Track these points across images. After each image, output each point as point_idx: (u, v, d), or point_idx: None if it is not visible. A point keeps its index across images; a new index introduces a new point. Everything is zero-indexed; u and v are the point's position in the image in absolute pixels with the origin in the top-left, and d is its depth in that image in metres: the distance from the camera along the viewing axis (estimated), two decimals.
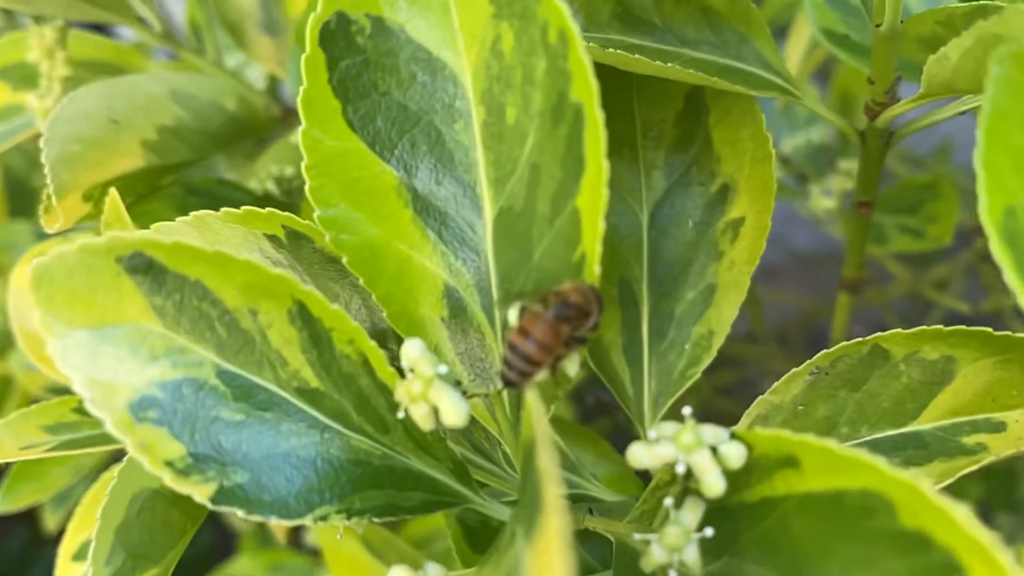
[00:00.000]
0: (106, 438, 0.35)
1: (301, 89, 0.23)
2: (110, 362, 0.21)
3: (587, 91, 0.20)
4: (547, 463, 0.15)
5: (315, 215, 0.23)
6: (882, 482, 0.17)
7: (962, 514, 0.16)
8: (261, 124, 0.44)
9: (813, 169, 0.58)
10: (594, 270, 0.22)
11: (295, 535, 0.76)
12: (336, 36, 0.23)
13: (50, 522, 0.74)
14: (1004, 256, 0.18)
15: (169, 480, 0.21)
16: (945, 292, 0.67)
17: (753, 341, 0.54)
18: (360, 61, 0.23)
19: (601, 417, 0.51)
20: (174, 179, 0.39)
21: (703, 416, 0.22)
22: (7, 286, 0.73)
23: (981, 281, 0.64)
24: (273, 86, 0.56)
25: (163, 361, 0.21)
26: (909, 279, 0.65)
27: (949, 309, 0.63)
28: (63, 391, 0.46)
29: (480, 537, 0.33)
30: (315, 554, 0.75)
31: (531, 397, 0.18)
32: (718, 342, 0.31)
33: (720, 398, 0.51)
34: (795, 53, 0.52)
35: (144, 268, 0.21)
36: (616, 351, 0.32)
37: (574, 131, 0.21)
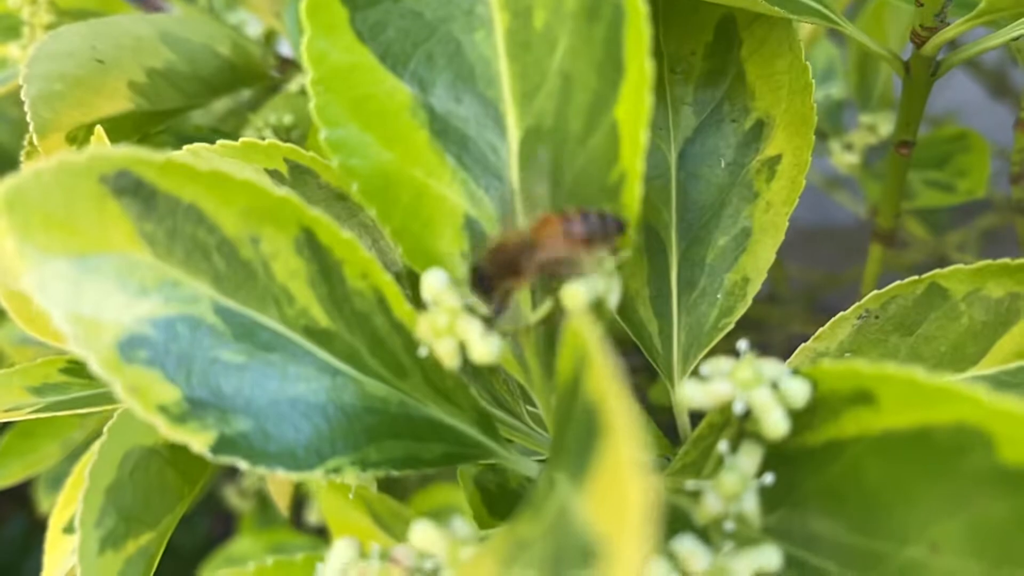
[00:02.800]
0: (97, 399, 0.32)
1: None
2: (94, 295, 0.18)
3: None
4: (608, 379, 0.12)
5: (321, 136, 0.21)
6: (980, 413, 0.15)
7: None
8: (257, 73, 0.41)
9: (832, 126, 0.56)
10: (635, 191, 0.19)
11: (296, 515, 0.74)
12: None
13: (45, 505, 0.72)
14: None
15: (163, 427, 0.18)
16: (962, 257, 0.65)
17: (773, 302, 0.52)
18: None
19: None
20: (165, 127, 0.37)
21: None
22: None
23: (1002, 243, 0.62)
24: (270, 36, 0.54)
25: (154, 296, 0.19)
26: (929, 242, 0.63)
27: None
28: None
29: (499, 501, 0.31)
30: (317, 533, 0.73)
31: (576, 313, 0.16)
32: (753, 289, 0.29)
33: None
34: None
35: (132, 189, 0.18)
36: (643, 302, 0.30)
37: (612, 30, 0.18)
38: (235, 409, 0.19)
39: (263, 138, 0.37)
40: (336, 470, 0.20)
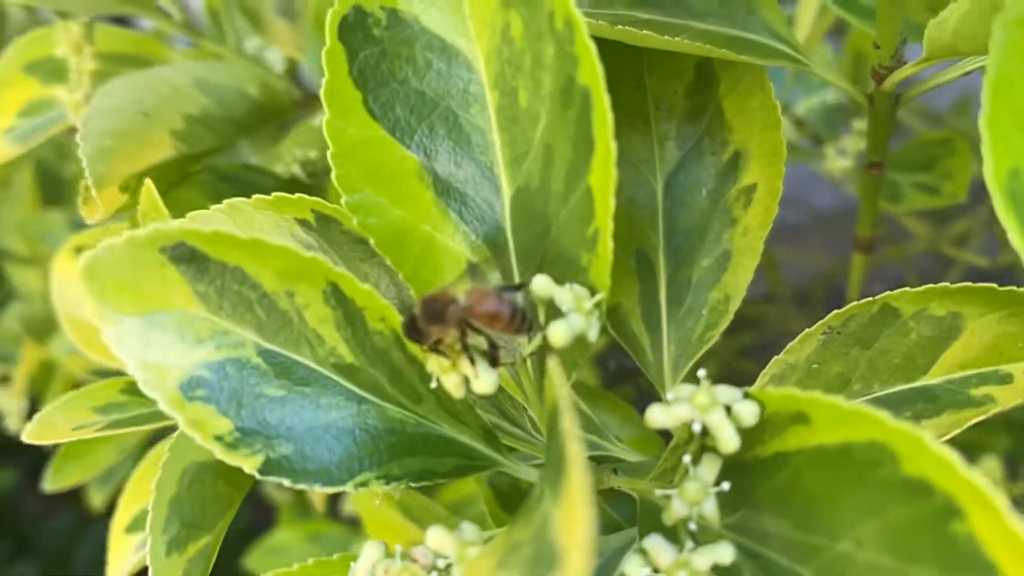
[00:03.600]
0: (153, 417, 0.37)
1: (324, 81, 0.24)
2: (159, 347, 0.22)
3: (593, 75, 0.21)
4: (569, 425, 0.16)
5: (342, 201, 0.25)
6: (886, 433, 0.18)
7: (959, 461, 0.17)
8: (283, 108, 0.45)
9: (828, 130, 0.59)
10: (607, 244, 0.23)
11: (332, 505, 0.78)
12: (354, 29, 0.24)
13: (96, 500, 0.77)
14: (1008, 217, 0.19)
15: (219, 453, 0.22)
16: (964, 247, 0.68)
17: (772, 302, 0.55)
18: (378, 52, 0.24)
19: (624, 382, 0.52)
20: (202, 166, 0.40)
21: (725, 376, 0.23)
22: (46, 274, 0.75)
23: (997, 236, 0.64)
24: (292, 68, 0.57)
25: (208, 343, 0.23)
26: (927, 236, 0.66)
27: (968, 264, 0.64)
28: (107, 373, 0.48)
29: (511, 499, 0.35)
30: (352, 523, 0.77)
31: (552, 365, 0.19)
32: (734, 306, 0.32)
33: (741, 359, 0.52)
34: (806, 15, 0.52)
35: (187, 257, 0.22)
36: (636, 318, 0.33)
37: (583, 113, 0.22)
38: (278, 436, 0.23)
39: (293, 173, 0.41)
40: (364, 484, 0.23)
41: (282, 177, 0.42)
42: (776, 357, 0.31)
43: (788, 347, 0.30)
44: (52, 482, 0.59)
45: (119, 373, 0.41)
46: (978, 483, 0.17)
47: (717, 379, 0.23)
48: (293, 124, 0.49)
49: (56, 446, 0.73)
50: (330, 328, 0.24)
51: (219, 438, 0.22)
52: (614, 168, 0.21)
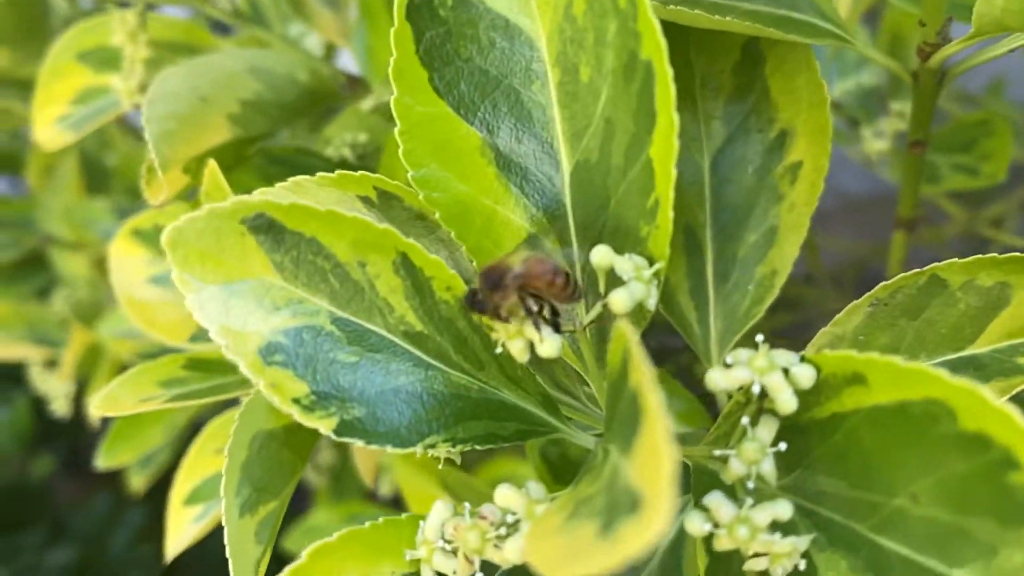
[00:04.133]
0: (211, 391, 0.38)
1: (392, 60, 0.25)
2: (240, 313, 0.23)
3: (656, 49, 0.22)
4: (645, 373, 0.17)
5: (408, 175, 0.26)
6: (944, 390, 0.19)
7: (1017, 414, 0.18)
8: (330, 94, 0.46)
9: (864, 112, 0.59)
10: (668, 214, 0.24)
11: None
12: (421, 10, 0.25)
13: (136, 483, 0.79)
14: None
15: (297, 415, 0.23)
16: (1001, 229, 0.68)
17: (810, 283, 0.55)
18: (443, 32, 0.25)
19: (664, 361, 0.53)
20: (256, 150, 0.42)
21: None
22: (90, 260, 0.77)
23: None
24: (329, 54, 0.59)
25: (284, 311, 0.24)
26: (964, 218, 0.66)
27: (1005, 246, 0.64)
28: (154, 356, 0.50)
29: (561, 469, 0.36)
30: (390, 505, 0.78)
31: (621, 321, 0.20)
32: (780, 280, 0.33)
33: (777, 339, 0.52)
34: None
35: (265, 227, 0.23)
36: (683, 293, 0.34)
37: (645, 86, 0.23)
38: (351, 399, 0.24)
39: (343, 156, 0.42)
40: (432, 445, 0.25)
41: (332, 160, 0.43)
42: (823, 329, 0.31)
43: (835, 319, 0.31)
44: (104, 460, 0.61)
45: (174, 351, 0.42)
46: None
47: None
48: (335, 110, 0.51)
49: (102, 428, 0.75)
50: (399, 297, 0.25)
51: (296, 400, 0.24)
52: (676, 139, 0.22)
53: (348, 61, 0.54)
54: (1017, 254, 0.27)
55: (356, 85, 0.51)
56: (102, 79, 0.51)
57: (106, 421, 0.74)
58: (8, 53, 0.75)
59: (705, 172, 0.34)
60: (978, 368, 0.28)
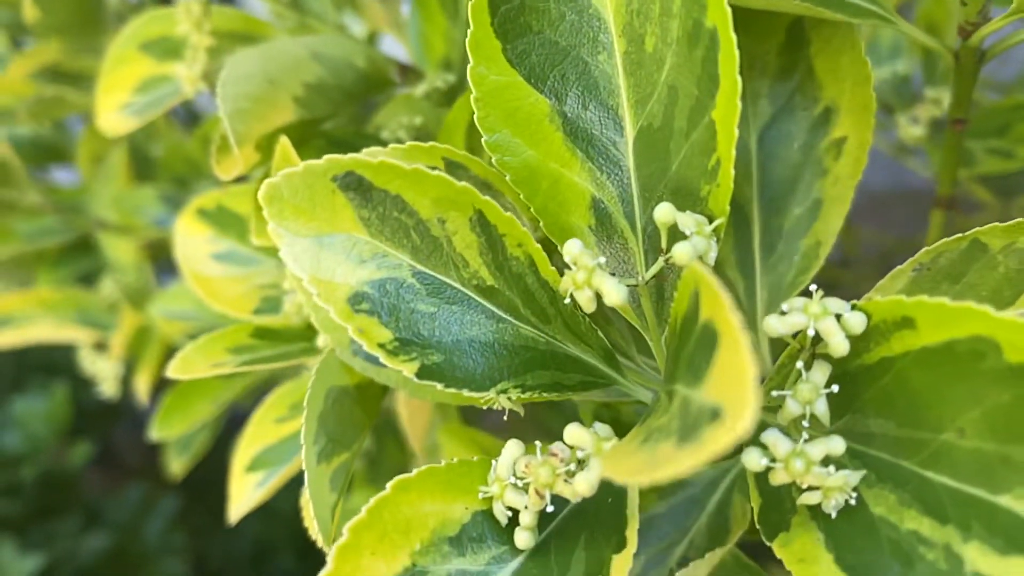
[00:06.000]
0: (277, 357, 0.40)
1: (469, 32, 0.27)
2: (329, 264, 0.25)
3: (722, 16, 0.24)
4: (720, 298, 0.18)
5: (483, 140, 0.27)
6: (990, 326, 0.21)
7: None
8: (385, 80, 0.48)
9: (899, 100, 0.60)
10: (728, 172, 0.25)
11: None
12: None
13: (175, 467, 0.81)
14: None
15: (383, 358, 0.25)
16: None
17: (846, 267, 0.57)
18: (517, 5, 0.27)
19: None
20: (316, 133, 0.44)
21: None
22: (138, 245, 0.80)
23: None
24: (372, 41, 0.61)
25: (370, 263, 0.26)
26: (997, 207, 0.67)
27: None
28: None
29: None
30: None
31: (694, 262, 0.22)
32: (825, 251, 0.35)
33: None
34: None
35: (355, 185, 0.25)
36: (730, 265, 0.36)
37: (709, 53, 0.24)
38: (431, 346, 0.26)
39: (399, 138, 0.44)
40: (504, 391, 0.26)
41: (387, 142, 0.45)
42: (867, 294, 0.33)
43: (878, 285, 0.33)
44: (158, 431, 0.64)
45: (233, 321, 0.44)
46: None
47: None
48: (383, 99, 0.53)
49: (135, 421, 0.77)
50: (474, 253, 0.26)
51: (382, 345, 0.25)
52: (739, 101, 0.24)
53: (390, 48, 0.56)
54: None
55: (404, 73, 0.53)
56: (164, 68, 0.54)
57: (147, 409, 0.77)
58: (62, 44, 0.78)
59: (752, 149, 0.36)
60: None
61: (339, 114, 0.47)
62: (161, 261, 0.86)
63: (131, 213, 0.81)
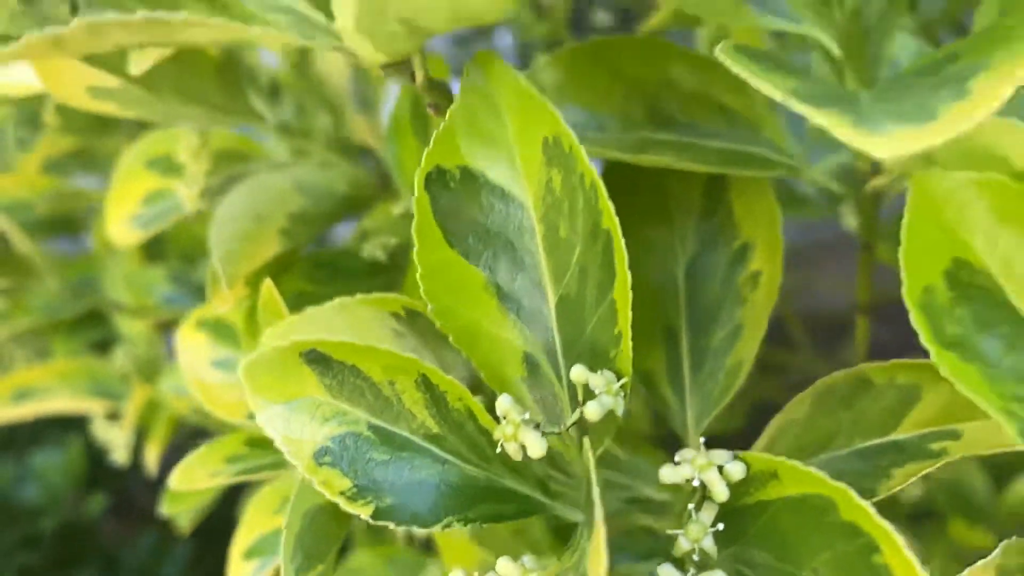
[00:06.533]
0: (269, 466, 0.45)
1: (414, 221, 0.32)
2: (298, 425, 0.30)
3: (612, 223, 0.29)
4: (594, 493, 0.23)
5: (428, 308, 0.32)
6: (827, 489, 0.25)
7: (874, 510, 0.24)
8: (366, 201, 0.53)
9: (846, 189, 0.65)
10: (628, 342, 0.30)
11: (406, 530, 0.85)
12: (436, 182, 0.32)
13: (183, 523, 0.85)
14: (920, 324, 0.26)
15: (343, 505, 0.30)
16: None
17: (793, 351, 0.61)
18: (454, 198, 0.32)
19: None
20: (302, 256, 0.49)
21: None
22: (148, 320, 0.85)
23: None
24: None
25: (332, 421, 0.31)
26: None
27: None
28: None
29: (563, 531, 0.42)
30: (424, 548, 0.84)
31: (585, 444, 0.27)
32: (746, 368, 0.39)
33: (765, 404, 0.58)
34: None
35: (318, 359, 0.30)
36: (664, 382, 0.40)
37: (607, 247, 0.29)
38: (384, 490, 0.31)
39: (376, 257, 0.49)
40: (448, 525, 0.31)
41: (367, 260, 0.50)
42: (776, 416, 0.38)
43: (785, 408, 0.37)
44: (168, 508, 0.69)
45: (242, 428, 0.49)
46: (887, 527, 0.24)
47: (754, 407, 0.30)
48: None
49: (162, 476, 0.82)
50: (421, 407, 0.31)
51: (343, 493, 0.30)
52: (629, 289, 0.29)
53: None
54: (926, 360, 0.33)
55: (386, 185, 0.59)
56: (168, 183, 0.59)
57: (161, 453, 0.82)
58: (76, 140, 0.84)
59: (680, 279, 0.41)
60: (899, 451, 0.34)
61: (320, 236, 0.52)
62: (172, 335, 0.91)
63: (142, 293, 0.87)
